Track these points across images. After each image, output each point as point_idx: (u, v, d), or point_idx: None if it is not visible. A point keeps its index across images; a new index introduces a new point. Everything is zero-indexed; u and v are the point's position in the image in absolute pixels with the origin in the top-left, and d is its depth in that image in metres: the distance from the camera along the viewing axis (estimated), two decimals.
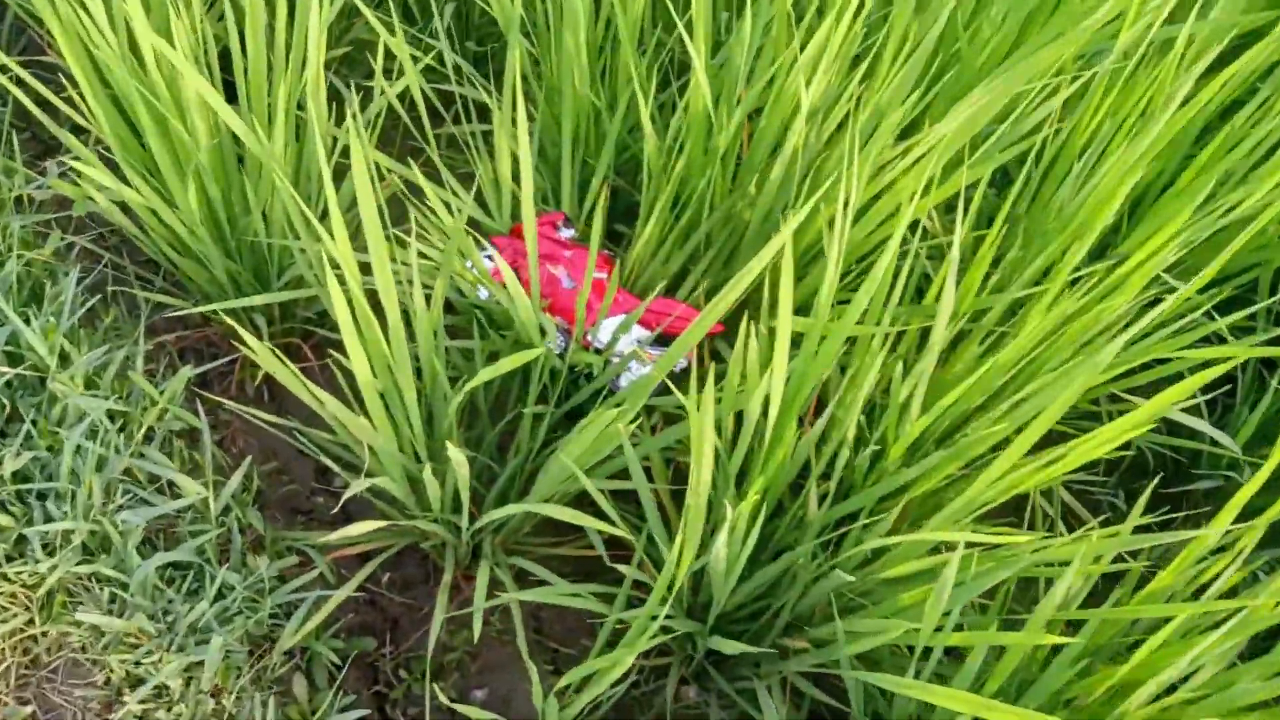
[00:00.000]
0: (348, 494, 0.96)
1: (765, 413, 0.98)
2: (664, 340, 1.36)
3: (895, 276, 1.07)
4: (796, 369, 0.96)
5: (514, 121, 1.12)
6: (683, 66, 1.48)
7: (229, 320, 1.35)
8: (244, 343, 0.98)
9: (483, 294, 1.39)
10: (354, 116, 1.14)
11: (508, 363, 1.06)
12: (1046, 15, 1.25)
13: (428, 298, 1.03)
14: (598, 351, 1.35)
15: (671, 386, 1.04)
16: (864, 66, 1.17)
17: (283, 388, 1.47)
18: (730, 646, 0.97)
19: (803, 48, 1.13)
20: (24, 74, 1.16)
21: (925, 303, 1.11)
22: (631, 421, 1.05)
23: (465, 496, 1.05)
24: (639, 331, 1.36)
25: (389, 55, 1.59)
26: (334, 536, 1.00)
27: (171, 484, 1.16)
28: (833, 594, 1.08)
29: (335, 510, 1.45)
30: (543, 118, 1.41)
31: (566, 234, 1.36)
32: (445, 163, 1.33)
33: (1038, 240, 1.20)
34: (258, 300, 1.12)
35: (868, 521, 1.07)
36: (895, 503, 1.13)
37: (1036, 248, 1.17)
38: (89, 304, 1.17)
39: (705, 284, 1.39)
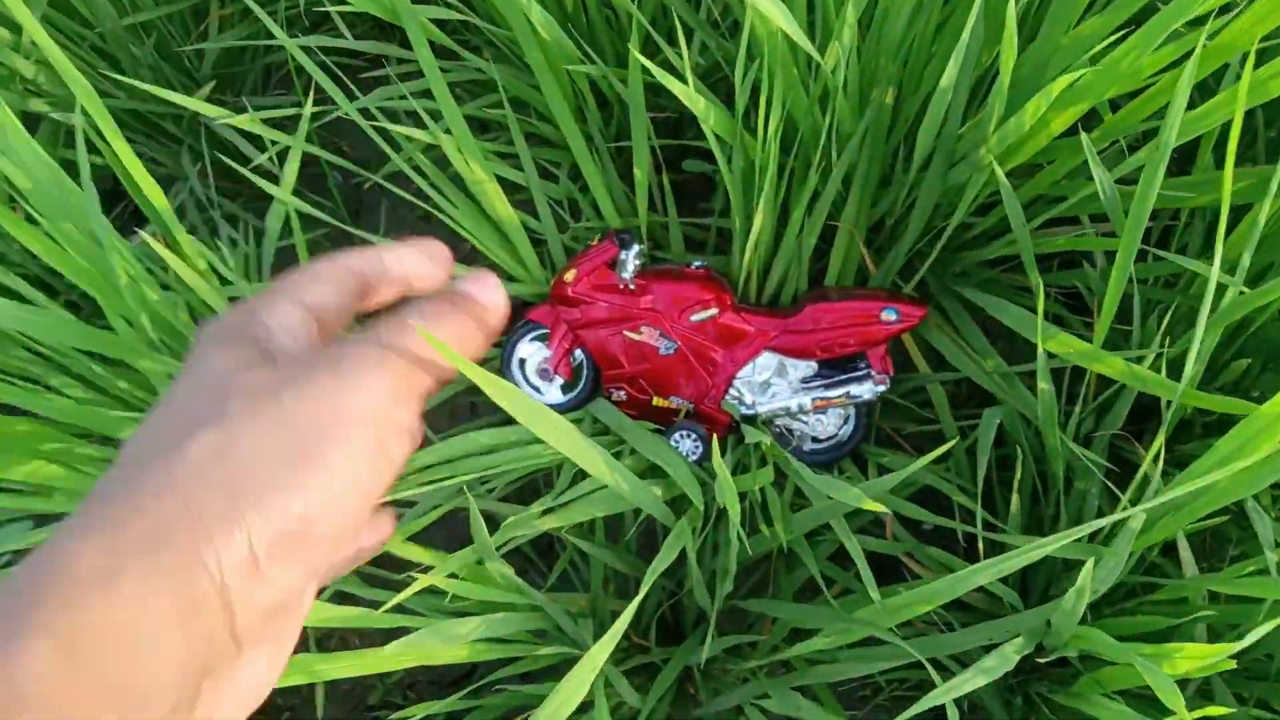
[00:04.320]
0: None
1: None
2: (836, 364, 0.89)
3: None
4: None
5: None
6: None
7: None
8: None
9: (542, 395, 0.93)
10: None
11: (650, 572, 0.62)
12: None
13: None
14: (753, 423, 0.89)
15: None
16: None
17: None
18: None
19: None
20: None
21: None
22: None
23: None
24: (798, 369, 0.88)
25: None
26: None
27: None
28: None
29: None
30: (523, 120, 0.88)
31: (633, 266, 0.86)
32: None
33: None
34: None
35: None
36: None
37: None
38: None
39: (855, 251, 0.88)
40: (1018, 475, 0.71)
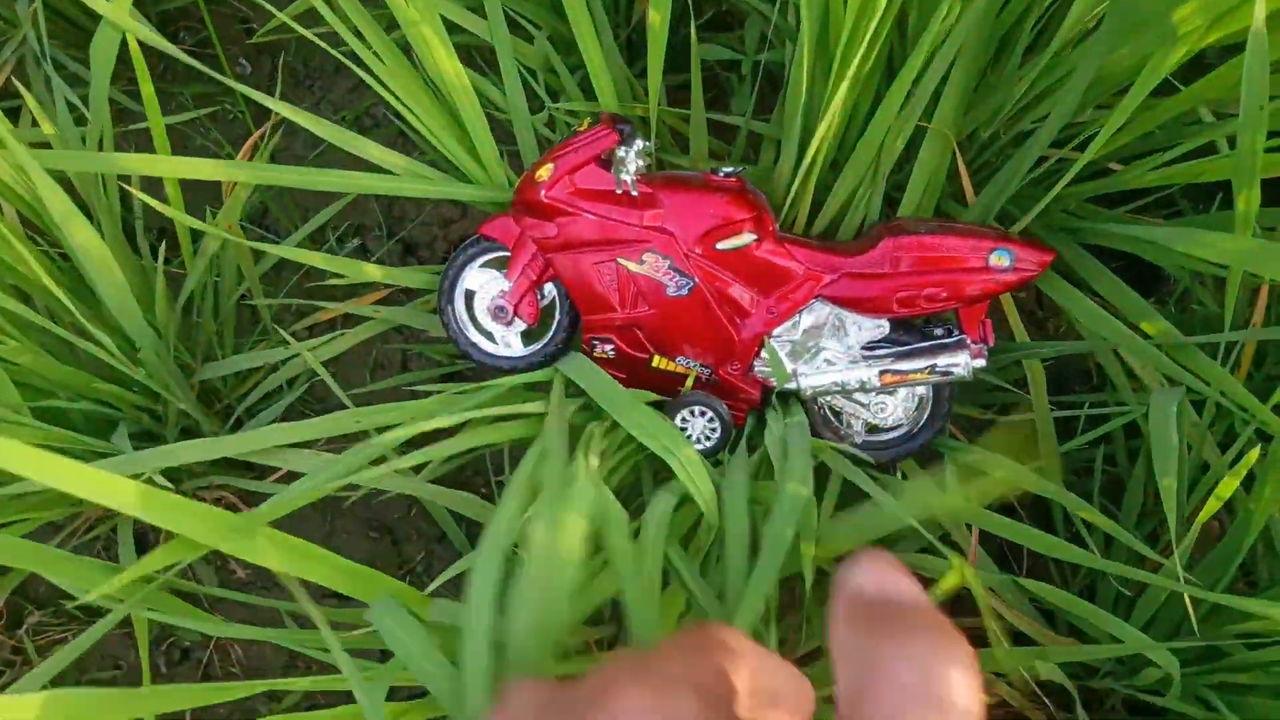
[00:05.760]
0: None
1: None
2: (907, 327, 0.63)
3: None
4: None
5: None
6: None
7: None
8: None
9: (493, 346, 0.67)
10: None
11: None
12: None
13: None
14: (789, 400, 0.64)
15: None
16: None
17: None
18: None
19: None
20: None
21: None
22: None
23: None
24: (862, 329, 0.63)
25: None
26: None
27: None
28: None
29: None
30: None
31: (635, 165, 0.60)
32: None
33: None
34: None
35: None
36: None
37: None
38: None
39: (943, 167, 0.62)
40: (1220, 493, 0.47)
